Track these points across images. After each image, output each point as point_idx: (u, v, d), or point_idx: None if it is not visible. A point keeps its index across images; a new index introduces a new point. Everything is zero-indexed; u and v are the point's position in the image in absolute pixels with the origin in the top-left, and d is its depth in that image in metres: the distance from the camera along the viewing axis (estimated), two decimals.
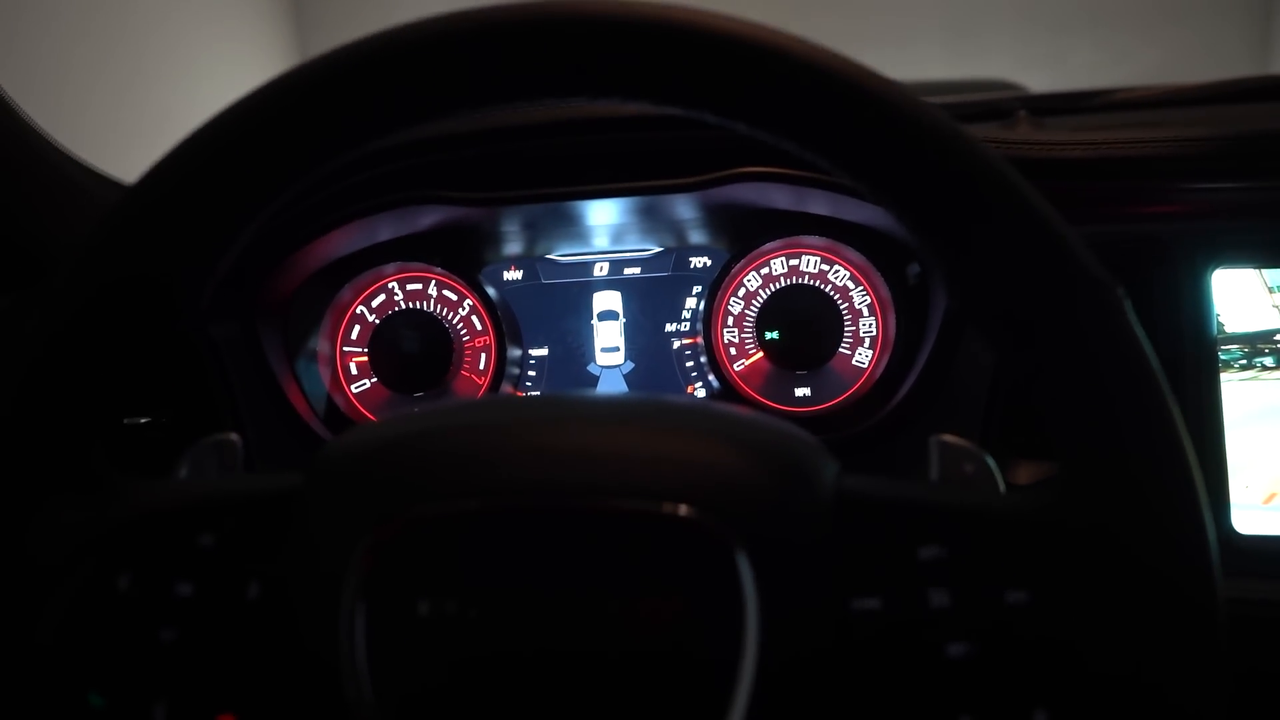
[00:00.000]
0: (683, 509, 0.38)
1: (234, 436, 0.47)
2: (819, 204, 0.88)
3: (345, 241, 0.89)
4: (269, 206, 0.42)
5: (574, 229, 0.94)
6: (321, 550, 0.39)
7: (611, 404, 0.45)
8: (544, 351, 0.96)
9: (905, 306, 0.89)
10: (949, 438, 0.45)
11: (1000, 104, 1.36)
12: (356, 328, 0.94)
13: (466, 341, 0.94)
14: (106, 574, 0.40)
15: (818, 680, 0.37)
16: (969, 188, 0.39)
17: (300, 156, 0.41)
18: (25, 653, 0.39)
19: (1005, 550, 0.39)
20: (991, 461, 0.45)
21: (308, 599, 0.38)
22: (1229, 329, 0.78)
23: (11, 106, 0.84)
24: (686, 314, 0.95)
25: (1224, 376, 0.77)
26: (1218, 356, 0.77)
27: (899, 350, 0.89)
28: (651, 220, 0.93)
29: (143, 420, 0.85)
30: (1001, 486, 0.44)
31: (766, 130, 0.41)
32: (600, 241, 0.96)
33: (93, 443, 0.43)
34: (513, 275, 0.96)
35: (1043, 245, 0.39)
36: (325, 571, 0.38)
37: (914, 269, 0.88)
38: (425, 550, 0.38)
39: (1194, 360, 0.77)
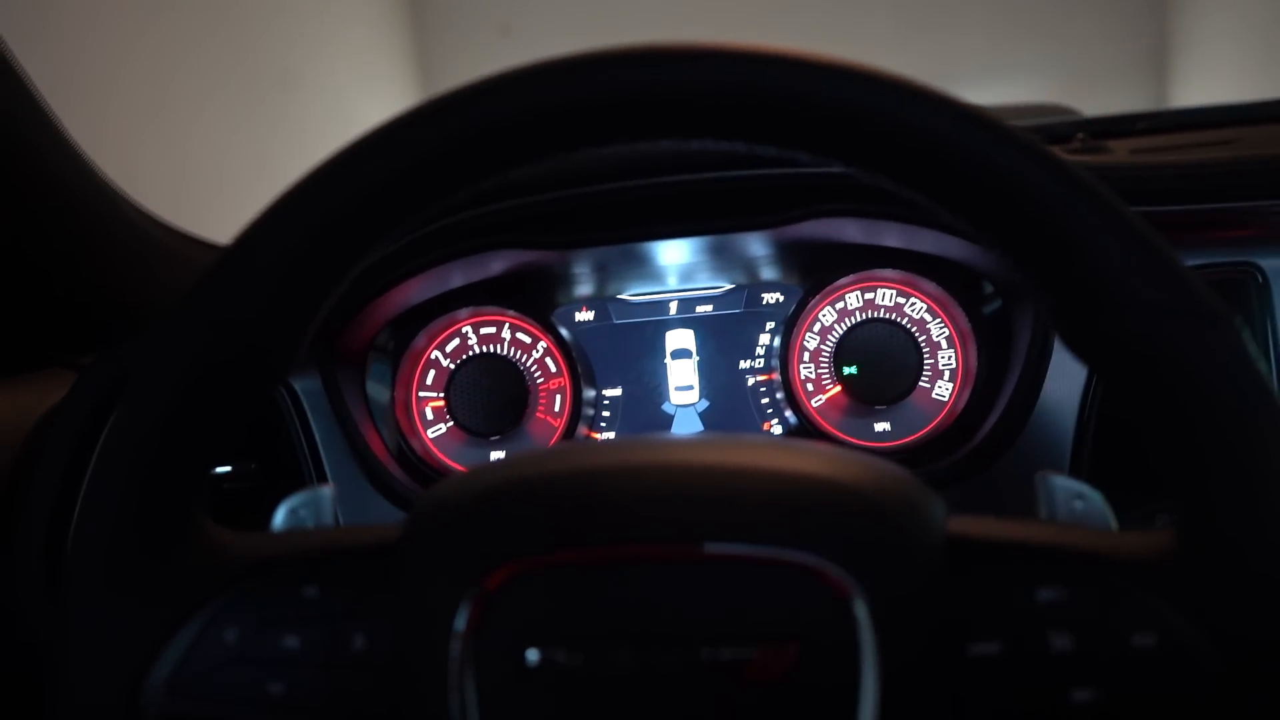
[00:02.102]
0: (798, 555, 0.37)
1: (327, 489, 0.47)
2: (892, 236, 0.88)
3: (419, 289, 0.90)
4: (368, 259, 0.42)
5: (645, 269, 0.94)
6: (428, 602, 0.38)
7: (706, 444, 0.44)
8: (618, 392, 0.96)
9: (985, 338, 0.88)
10: (1056, 475, 0.44)
11: (1058, 128, 1.35)
12: (432, 373, 0.94)
13: (541, 384, 0.94)
14: (215, 628, 0.40)
15: None
16: (1078, 219, 0.38)
17: (410, 205, 0.41)
18: (138, 706, 0.40)
19: (1130, 592, 0.37)
20: (1102, 499, 0.43)
21: (416, 651, 0.38)
22: None
23: (92, 168, 0.86)
24: (761, 350, 0.94)
25: None
26: None
27: (980, 383, 0.87)
28: (722, 258, 0.93)
29: (226, 470, 0.86)
30: (1114, 524, 0.43)
31: (869, 170, 0.41)
32: (671, 280, 0.96)
33: (197, 499, 0.44)
34: (585, 316, 0.96)
35: (1158, 278, 0.38)
36: (433, 623, 0.38)
37: (996, 305, 0.87)
38: (535, 600, 0.38)
39: None
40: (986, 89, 4.43)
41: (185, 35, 2.29)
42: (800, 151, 0.41)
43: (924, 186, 0.40)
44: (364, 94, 3.83)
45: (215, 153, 2.37)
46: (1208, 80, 4.08)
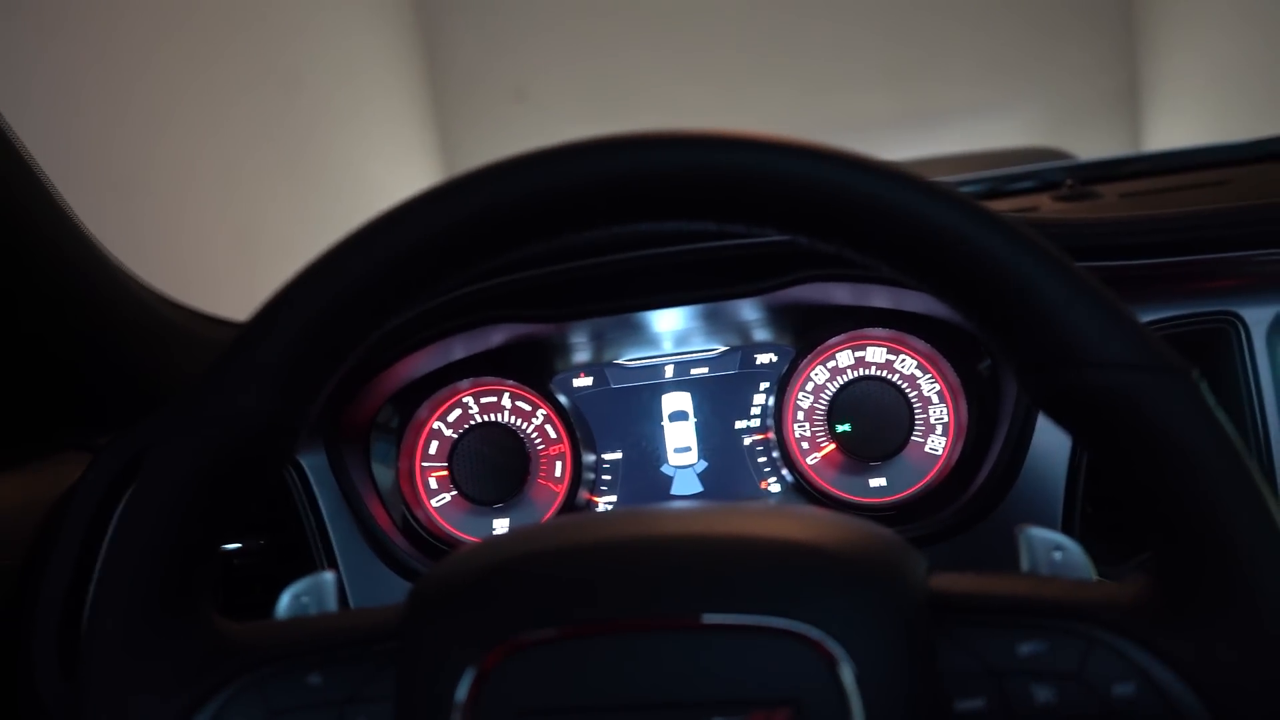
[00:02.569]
0: (784, 623, 0.38)
1: (329, 575, 0.48)
2: (880, 298, 0.90)
3: (421, 363, 0.92)
4: (373, 339, 0.44)
5: (640, 335, 0.96)
6: (427, 682, 0.40)
7: (697, 515, 0.45)
8: (618, 455, 0.97)
9: (975, 392, 0.89)
10: (1036, 528, 0.45)
11: (1047, 174, 1.38)
12: (435, 443, 0.96)
13: (542, 450, 0.96)
14: (224, 718, 0.41)
15: None
16: (1031, 282, 0.40)
17: (420, 284, 0.43)
18: None
19: (1108, 642, 0.39)
20: (1080, 549, 0.45)
21: None
22: None
23: (99, 248, 0.88)
24: (756, 410, 0.96)
25: None
26: None
27: (972, 436, 0.89)
28: (716, 322, 0.95)
29: (235, 547, 0.87)
30: (1092, 573, 0.44)
31: (829, 243, 0.43)
32: (666, 344, 0.98)
33: (208, 584, 0.45)
34: (583, 382, 0.98)
35: (1114, 335, 0.39)
36: (432, 702, 0.39)
37: (985, 363, 0.89)
38: (533, 676, 0.39)
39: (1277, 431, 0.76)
40: (970, 130, 4.53)
41: (213, 115, 2.34)
42: (766, 229, 0.43)
43: (881, 256, 0.42)
44: (388, 163, 3.92)
45: (242, 232, 2.42)
46: (1179, 116, 4.17)
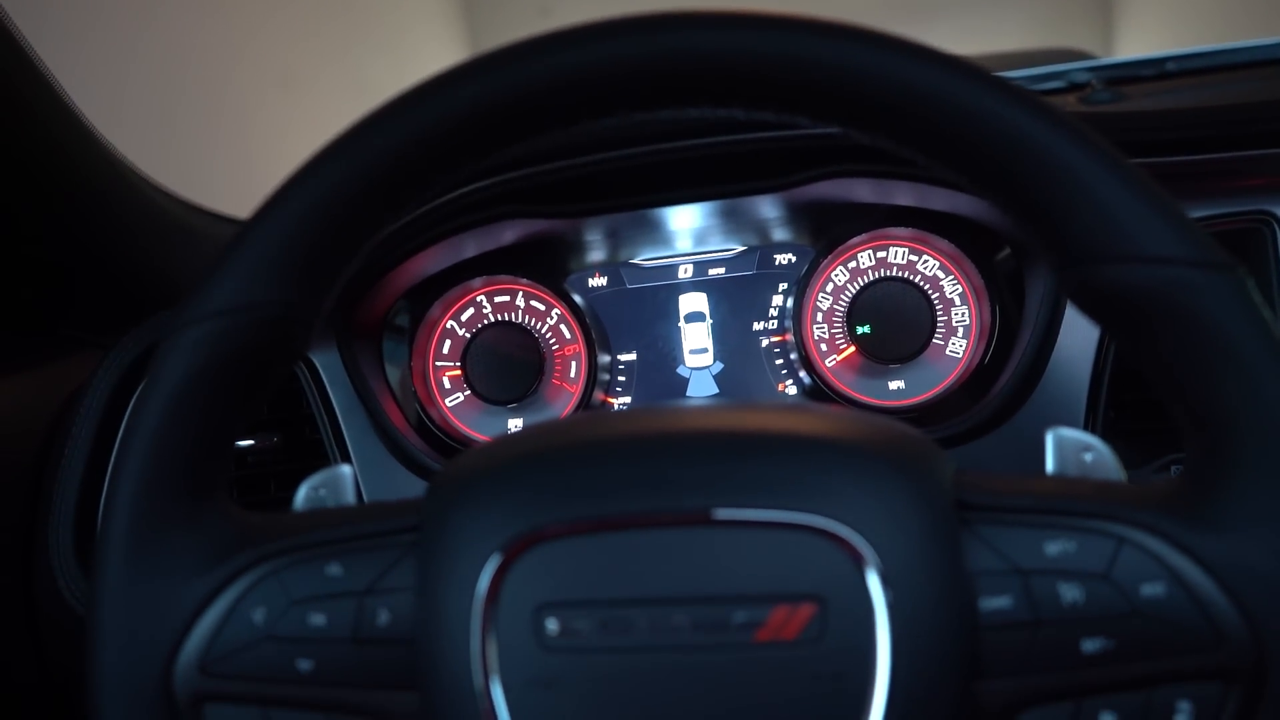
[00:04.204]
0: (807, 518, 0.38)
1: (346, 468, 0.48)
2: (904, 195, 0.87)
3: (432, 260, 0.91)
4: (383, 232, 0.43)
5: (657, 234, 0.94)
6: (447, 574, 0.39)
7: (722, 412, 0.45)
8: (633, 356, 0.96)
9: (998, 293, 0.88)
10: (1065, 429, 0.44)
11: (1073, 75, 1.33)
12: (448, 342, 0.95)
13: (556, 350, 0.95)
14: (243, 608, 0.41)
15: (951, 683, 0.37)
16: (1077, 174, 0.38)
17: (421, 178, 0.42)
18: (171, 684, 0.41)
19: (1138, 542, 0.38)
20: (1110, 451, 0.44)
21: (437, 623, 0.39)
22: None
23: (108, 148, 0.87)
24: (774, 312, 0.95)
25: None
26: None
27: (994, 339, 0.87)
28: (734, 221, 0.93)
29: (249, 443, 0.87)
30: (1122, 474, 0.43)
31: (867, 131, 0.41)
32: (683, 244, 0.96)
33: (222, 476, 0.44)
34: (598, 282, 0.96)
35: (1161, 230, 0.38)
36: (453, 594, 0.39)
37: (1010, 263, 0.87)
38: (550, 568, 0.39)
39: None
40: (957, 25, 4.55)
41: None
42: (798, 116, 0.41)
43: (921, 146, 0.41)
44: (419, 75, 4.07)
45: (266, 140, 2.44)
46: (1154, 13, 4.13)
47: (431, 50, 4.48)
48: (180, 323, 0.42)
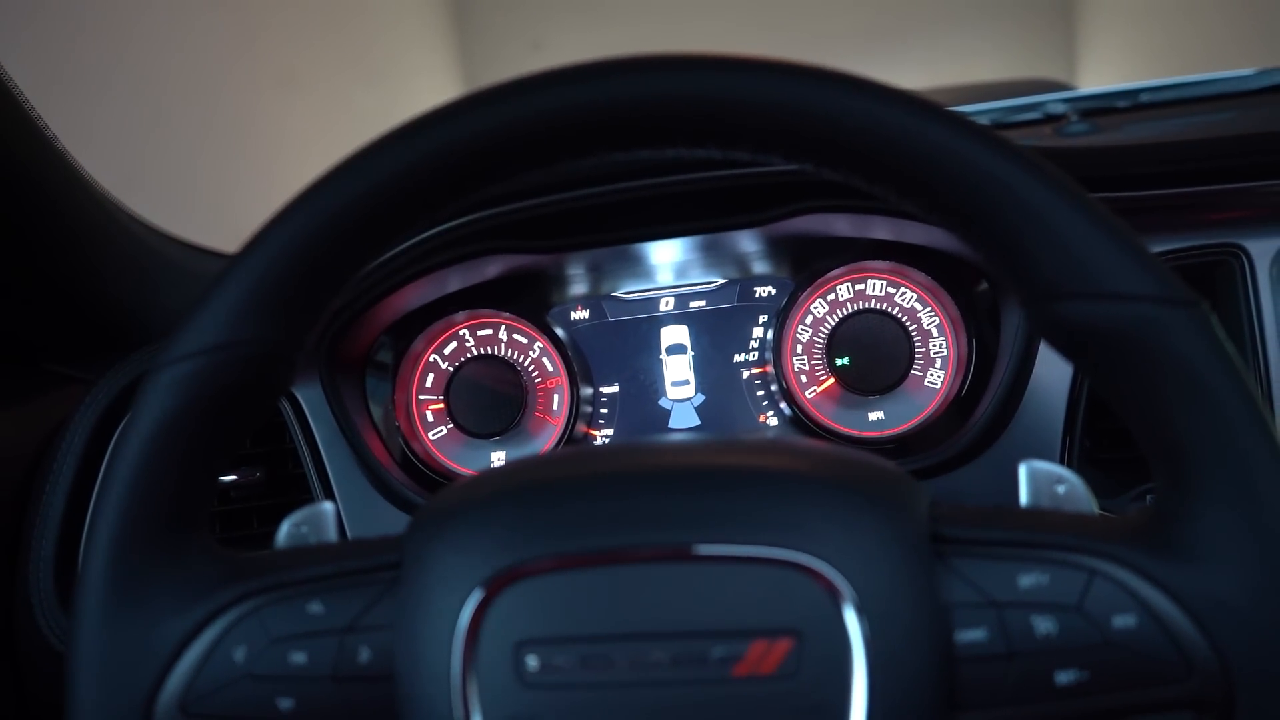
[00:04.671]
0: (785, 554, 0.38)
1: (328, 505, 0.48)
2: (881, 229, 0.88)
3: (416, 295, 0.91)
4: (368, 267, 0.43)
5: (638, 267, 0.95)
6: (427, 611, 0.39)
7: (700, 447, 0.45)
8: (615, 389, 0.96)
9: (975, 325, 0.89)
10: (1038, 462, 0.45)
11: (1049, 107, 1.35)
12: (431, 376, 0.95)
13: (539, 383, 0.95)
14: (224, 646, 0.41)
15: (927, 716, 0.37)
16: (1043, 211, 0.39)
17: (416, 213, 0.43)
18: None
19: (1109, 574, 0.38)
20: (1082, 483, 0.44)
21: (417, 660, 0.39)
22: None
23: (89, 181, 0.87)
24: (755, 344, 0.95)
25: None
26: None
27: (972, 369, 0.88)
28: (714, 254, 0.94)
29: (232, 479, 0.87)
30: (1094, 506, 0.44)
31: (835, 171, 0.42)
32: (664, 277, 0.96)
33: (203, 514, 0.45)
34: (580, 315, 0.97)
35: (1124, 266, 0.39)
36: (433, 631, 0.39)
37: (986, 296, 0.88)
38: (530, 604, 0.39)
39: None
40: (930, 51, 4.64)
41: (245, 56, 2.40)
42: (772, 156, 0.42)
43: (890, 184, 0.41)
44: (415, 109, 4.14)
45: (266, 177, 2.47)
46: (1115, 33, 4.23)
47: (425, 82, 4.54)
48: (163, 360, 0.43)
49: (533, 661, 0.38)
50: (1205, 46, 3.39)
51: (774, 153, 0.42)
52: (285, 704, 0.40)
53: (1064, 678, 0.37)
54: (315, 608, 0.41)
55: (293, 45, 2.88)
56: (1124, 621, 0.38)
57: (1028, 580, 0.39)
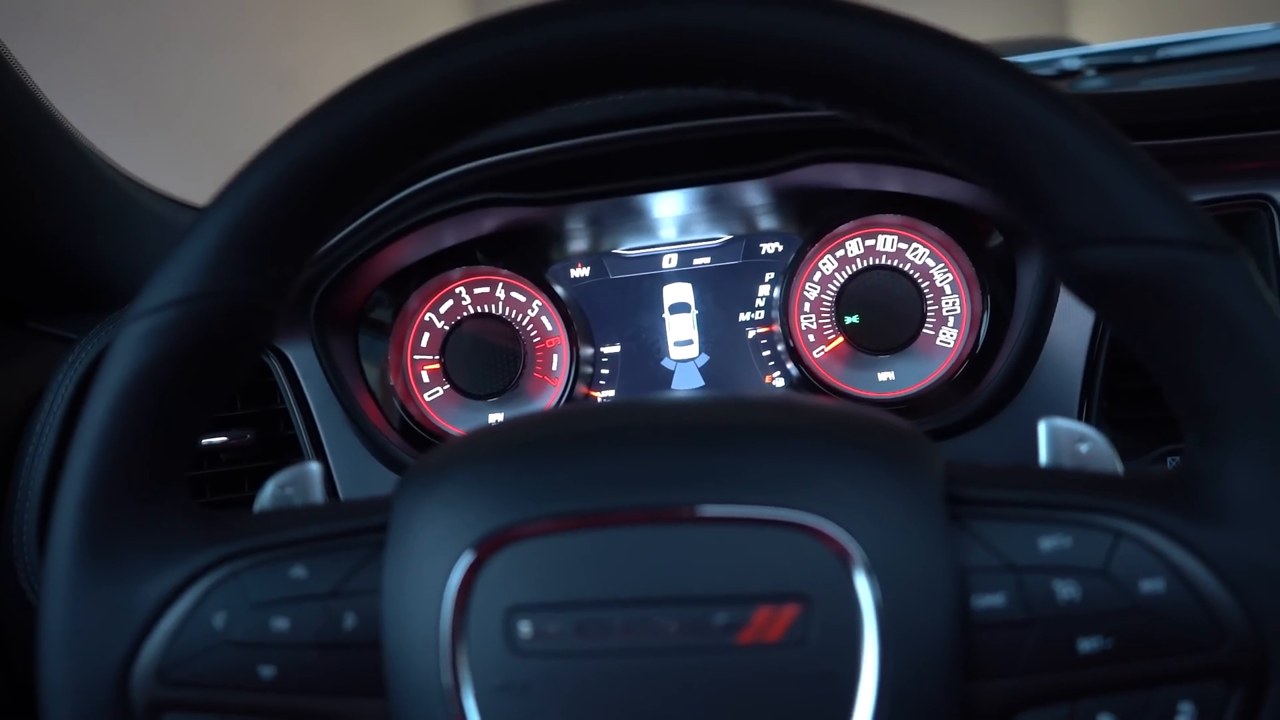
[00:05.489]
0: (794, 515, 0.36)
1: (314, 465, 0.46)
2: (893, 180, 0.86)
3: (410, 250, 0.89)
4: (351, 217, 0.41)
5: (640, 222, 0.92)
6: (416, 573, 0.38)
7: (704, 405, 0.43)
8: (616, 349, 0.94)
9: (989, 282, 0.86)
10: (1059, 419, 0.43)
11: (1066, 62, 1.33)
12: (426, 335, 0.93)
13: (537, 343, 0.93)
14: (202, 611, 0.40)
15: (942, 685, 0.35)
16: (1076, 154, 0.37)
17: (399, 158, 0.41)
18: (127, 691, 0.39)
19: (1137, 536, 0.36)
20: (1106, 442, 0.42)
21: (405, 624, 0.37)
22: None
23: (71, 132, 0.85)
24: (760, 302, 0.93)
25: None
26: None
27: (985, 328, 0.86)
28: (719, 208, 0.91)
29: (222, 440, 0.85)
30: (1119, 466, 0.42)
31: (853, 111, 0.40)
32: (667, 233, 0.94)
33: (181, 474, 0.43)
34: (580, 273, 0.94)
35: (1161, 212, 0.37)
36: (422, 595, 0.37)
37: (1000, 250, 0.85)
38: (522, 568, 0.37)
39: None
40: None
41: None
42: (780, 94, 0.39)
43: (908, 125, 0.39)
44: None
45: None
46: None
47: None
48: (135, 312, 0.41)
49: (525, 628, 0.36)
50: (1200, 4, 3.35)
51: (782, 90, 0.40)
52: (267, 672, 0.39)
53: (1087, 645, 0.36)
54: (298, 571, 0.40)
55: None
56: (1152, 586, 0.36)
57: (1049, 543, 0.37)
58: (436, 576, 0.37)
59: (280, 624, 0.39)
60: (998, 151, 0.38)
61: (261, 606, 0.39)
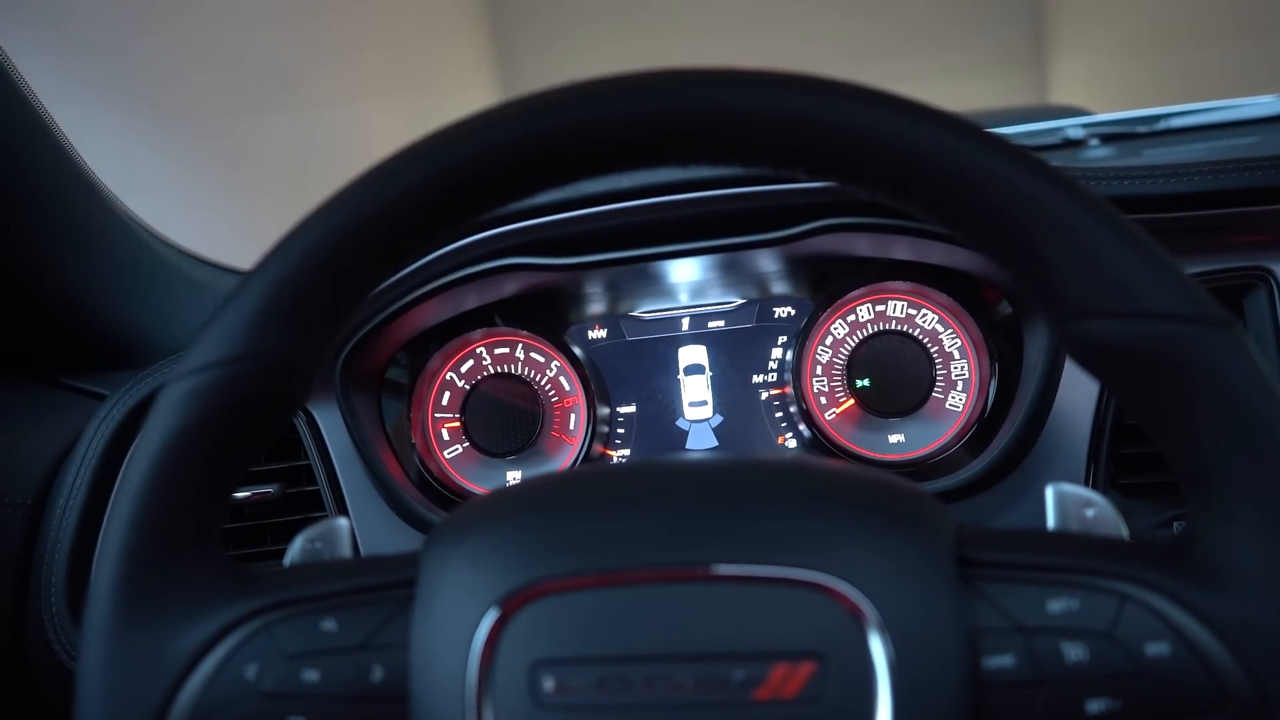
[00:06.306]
0: (808, 574, 0.37)
1: (343, 521, 0.47)
2: (902, 249, 0.88)
3: (433, 312, 0.91)
4: (384, 283, 0.43)
5: (656, 286, 0.94)
6: (442, 630, 0.39)
7: (721, 466, 0.44)
8: (632, 409, 0.96)
9: (998, 347, 0.88)
10: (1066, 485, 0.44)
11: (1070, 132, 1.35)
12: (447, 394, 0.95)
13: (555, 402, 0.94)
14: (235, 663, 0.41)
15: None
16: (1075, 230, 0.38)
17: (435, 227, 0.42)
18: None
19: (1142, 600, 0.37)
20: (1112, 507, 0.43)
21: (431, 679, 0.38)
22: None
23: (109, 196, 0.87)
24: (774, 364, 0.94)
25: None
26: None
27: (994, 392, 0.87)
28: (733, 274, 0.93)
29: (246, 494, 0.87)
30: (1124, 530, 0.43)
31: (864, 188, 0.41)
32: (683, 297, 0.96)
33: (216, 530, 0.44)
34: (598, 334, 0.96)
35: (1159, 286, 0.38)
36: (448, 650, 0.38)
37: (1008, 317, 0.87)
38: (546, 624, 0.38)
39: None
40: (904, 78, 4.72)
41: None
42: (796, 171, 0.41)
43: (918, 201, 0.41)
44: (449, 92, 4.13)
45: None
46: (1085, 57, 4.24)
47: (459, 86, 4.53)
48: (178, 373, 0.42)
49: (549, 682, 0.37)
50: (1178, 79, 3.41)
51: (799, 168, 0.41)
52: None
53: (1095, 706, 0.37)
54: (328, 625, 0.41)
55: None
56: (1157, 649, 0.37)
57: (1057, 605, 0.38)
58: (463, 631, 0.38)
59: (310, 675, 0.40)
60: (1003, 228, 0.40)
61: (292, 658, 0.40)
